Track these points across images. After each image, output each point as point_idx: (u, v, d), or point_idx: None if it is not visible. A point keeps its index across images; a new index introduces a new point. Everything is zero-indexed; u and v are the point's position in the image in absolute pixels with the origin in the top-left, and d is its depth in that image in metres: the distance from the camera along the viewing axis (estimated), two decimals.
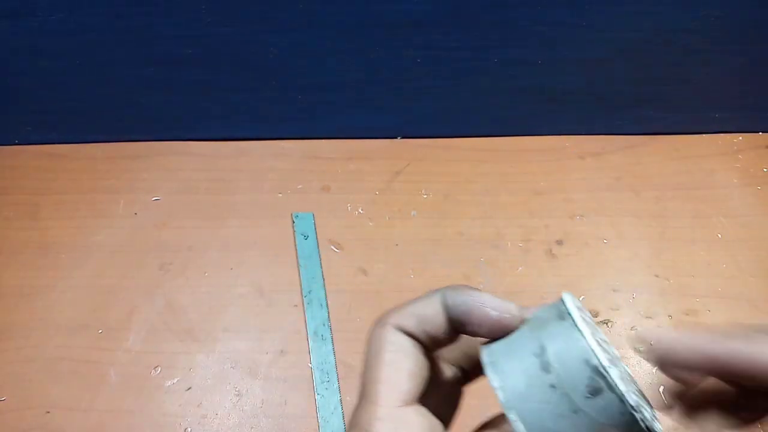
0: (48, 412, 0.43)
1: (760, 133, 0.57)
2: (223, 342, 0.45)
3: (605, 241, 0.50)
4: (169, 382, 0.43)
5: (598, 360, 0.19)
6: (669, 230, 0.50)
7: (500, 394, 0.21)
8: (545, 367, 0.20)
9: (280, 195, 0.53)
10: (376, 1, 0.46)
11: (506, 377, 0.21)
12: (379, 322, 0.25)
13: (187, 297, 0.47)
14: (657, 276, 0.48)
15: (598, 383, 0.19)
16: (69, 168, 0.55)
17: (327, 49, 0.50)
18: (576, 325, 0.20)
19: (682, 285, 0.47)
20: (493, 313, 0.23)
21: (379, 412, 0.24)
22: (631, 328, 0.45)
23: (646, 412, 0.20)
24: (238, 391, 0.43)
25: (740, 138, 0.56)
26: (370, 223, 0.52)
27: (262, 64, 0.51)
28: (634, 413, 0.19)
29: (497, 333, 0.23)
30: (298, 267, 0.49)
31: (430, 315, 0.24)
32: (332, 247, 0.50)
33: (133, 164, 0.56)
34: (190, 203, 0.53)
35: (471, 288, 0.24)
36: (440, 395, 0.26)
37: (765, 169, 0.54)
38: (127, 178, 0.55)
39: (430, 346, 0.24)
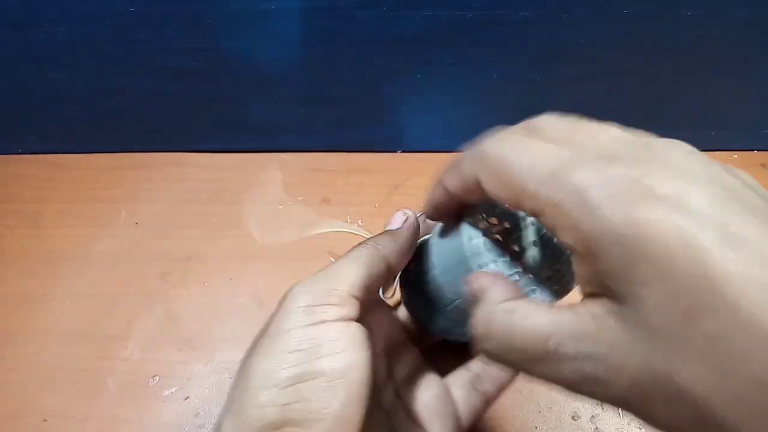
0: (45, 420, 0.43)
1: (756, 151, 0.57)
2: (221, 352, 0.45)
3: None
4: (168, 392, 0.43)
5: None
6: None
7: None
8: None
9: (281, 207, 0.54)
10: (376, 18, 0.46)
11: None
12: None
13: (186, 307, 0.48)
14: None
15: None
16: (71, 177, 0.56)
17: (328, 63, 0.50)
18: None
19: None
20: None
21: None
22: None
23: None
24: None
25: (735, 156, 0.57)
26: (369, 236, 0.52)
27: (264, 77, 0.52)
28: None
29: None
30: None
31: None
32: (332, 259, 0.50)
33: (135, 174, 0.56)
34: (190, 214, 0.53)
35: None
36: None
37: None
38: (128, 188, 0.55)
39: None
